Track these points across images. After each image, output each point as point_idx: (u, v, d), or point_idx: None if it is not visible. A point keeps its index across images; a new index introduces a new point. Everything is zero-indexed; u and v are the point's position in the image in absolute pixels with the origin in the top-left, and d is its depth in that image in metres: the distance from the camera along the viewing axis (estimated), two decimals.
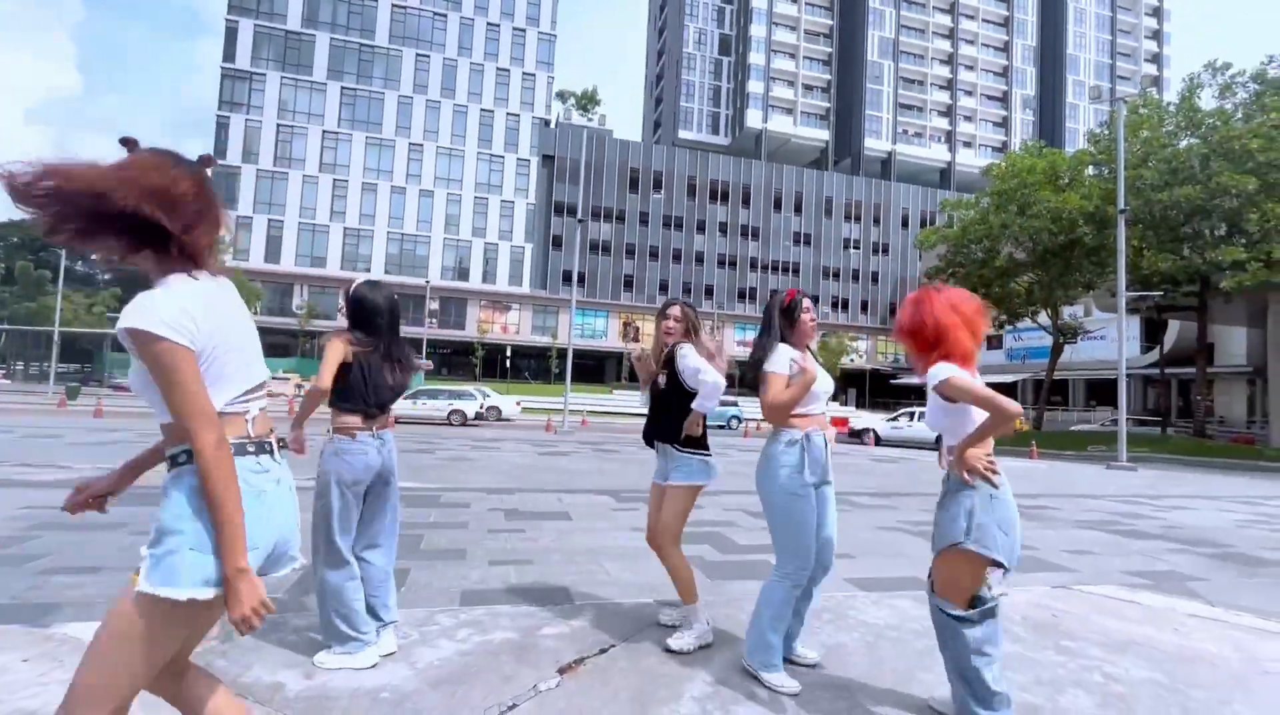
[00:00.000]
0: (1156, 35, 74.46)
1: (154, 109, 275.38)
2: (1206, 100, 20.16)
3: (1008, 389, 41.13)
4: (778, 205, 57.87)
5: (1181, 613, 3.64)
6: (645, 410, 3.03)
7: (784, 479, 2.43)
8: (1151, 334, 34.79)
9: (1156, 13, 74.53)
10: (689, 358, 2.77)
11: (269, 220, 46.61)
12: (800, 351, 2.58)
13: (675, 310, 2.89)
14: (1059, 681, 2.57)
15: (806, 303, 2.65)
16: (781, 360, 2.49)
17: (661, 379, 2.85)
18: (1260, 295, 20.91)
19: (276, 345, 46.38)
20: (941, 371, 2.04)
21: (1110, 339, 36.07)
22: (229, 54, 46.51)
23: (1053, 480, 11.48)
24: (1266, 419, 29.38)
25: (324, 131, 47.96)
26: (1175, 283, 20.21)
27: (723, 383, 2.77)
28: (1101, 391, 40.77)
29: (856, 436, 21.63)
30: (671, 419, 2.79)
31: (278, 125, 47.10)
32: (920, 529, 5.83)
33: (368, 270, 48.23)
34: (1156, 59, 73.86)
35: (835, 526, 2.58)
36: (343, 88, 48.42)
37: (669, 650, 2.62)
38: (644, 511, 6.04)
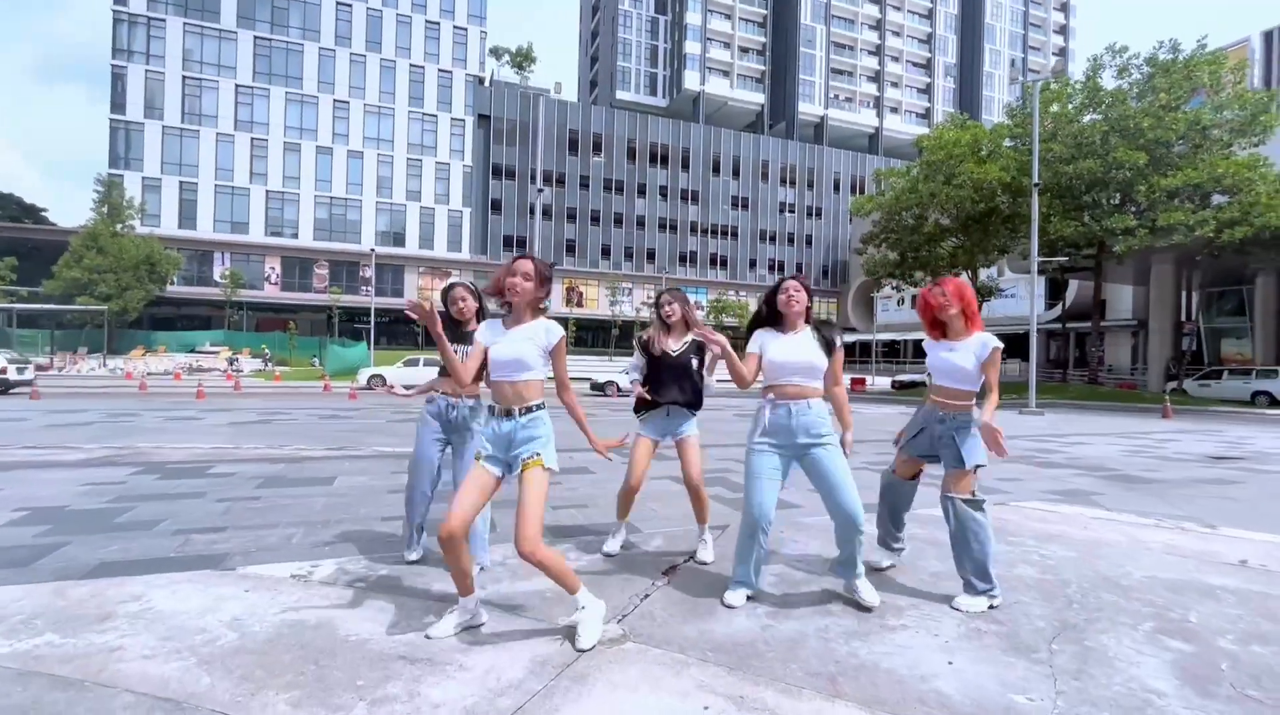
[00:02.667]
0: (1064, 8, 78.86)
1: (16, 52, 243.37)
2: (1107, 80, 22.25)
3: None
4: (716, 169, 58.66)
5: (1087, 516, 4.81)
6: (636, 378, 3.69)
7: (747, 437, 2.99)
8: (1055, 292, 38.34)
9: None
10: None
11: (180, 182, 43.33)
12: (787, 331, 2.95)
13: (667, 298, 3.59)
14: (1010, 560, 3.58)
15: (786, 285, 3.02)
16: (752, 341, 3.03)
17: (695, 361, 3.57)
18: (1144, 257, 23.67)
19: (198, 316, 43.84)
20: (995, 341, 3.03)
21: (1020, 297, 39.53)
22: None
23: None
24: (1147, 366, 33.39)
25: (237, 85, 44.60)
26: (1076, 247, 22.55)
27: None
28: (1012, 345, 44.60)
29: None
30: (694, 388, 3.55)
31: (184, 77, 43.38)
32: (878, 467, 6.93)
33: (295, 236, 45.97)
34: (1063, 30, 78.42)
35: (842, 488, 2.74)
36: (256, 37, 44.94)
37: (703, 563, 3.47)
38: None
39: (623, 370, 3.28)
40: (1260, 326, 26.02)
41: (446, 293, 3.60)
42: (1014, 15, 75.04)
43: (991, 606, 2.89)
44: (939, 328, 3.15)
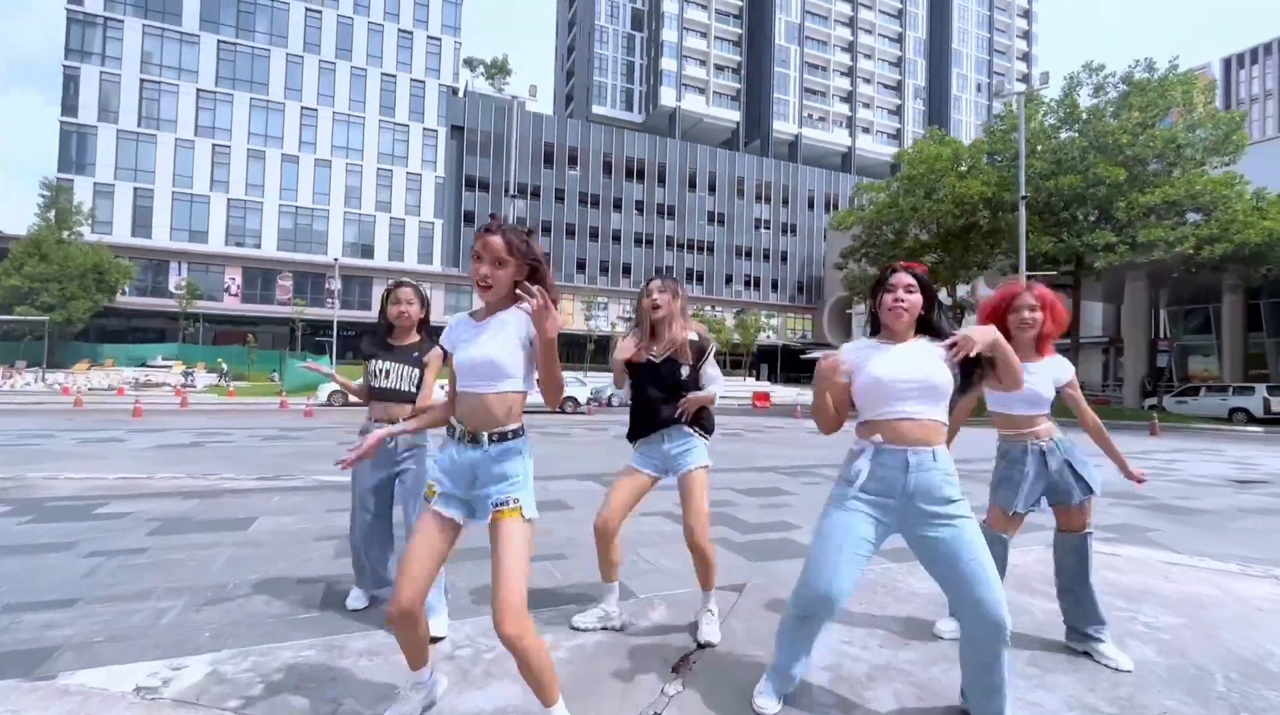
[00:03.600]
0: (1027, 35, 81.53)
1: None
2: (1083, 98, 22.37)
3: None
4: (692, 184, 58.54)
5: (1158, 561, 4.07)
6: (625, 394, 2.87)
7: (834, 483, 2.08)
8: None
9: (1027, 15, 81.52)
10: (713, 365, 2.75)
11: (135, 188, 41.34)
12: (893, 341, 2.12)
13: (659, 285, 2.72)
14: (1114, 636, 2.78)
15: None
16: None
17: (684, 370, 2.67)
18: (1117, 274, 23.76)
19: (151, 328, 41.64)
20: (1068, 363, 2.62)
21: None
22: None
23: (970, 445, 12.50)
24: (1118, 382, 33.67)
25: (198, 89, 42.96)
26: (1056, 262, 22.48)
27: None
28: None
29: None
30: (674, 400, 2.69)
31: (141, 80, 41.61)
32: None
33: (257, 246, 44.19)
34: (1026, 57, 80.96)
35: (980, 581, 1.78)
36: (220, 41, 43.45)
37: (707, 644, 2.57)
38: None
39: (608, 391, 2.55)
40: (1228, 344, 26.33)
41: (389, 293, 2.87)
42: (979, 41, 77.22)
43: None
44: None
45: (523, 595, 1.66)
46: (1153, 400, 24.63)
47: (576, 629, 2.69)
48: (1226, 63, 36.91)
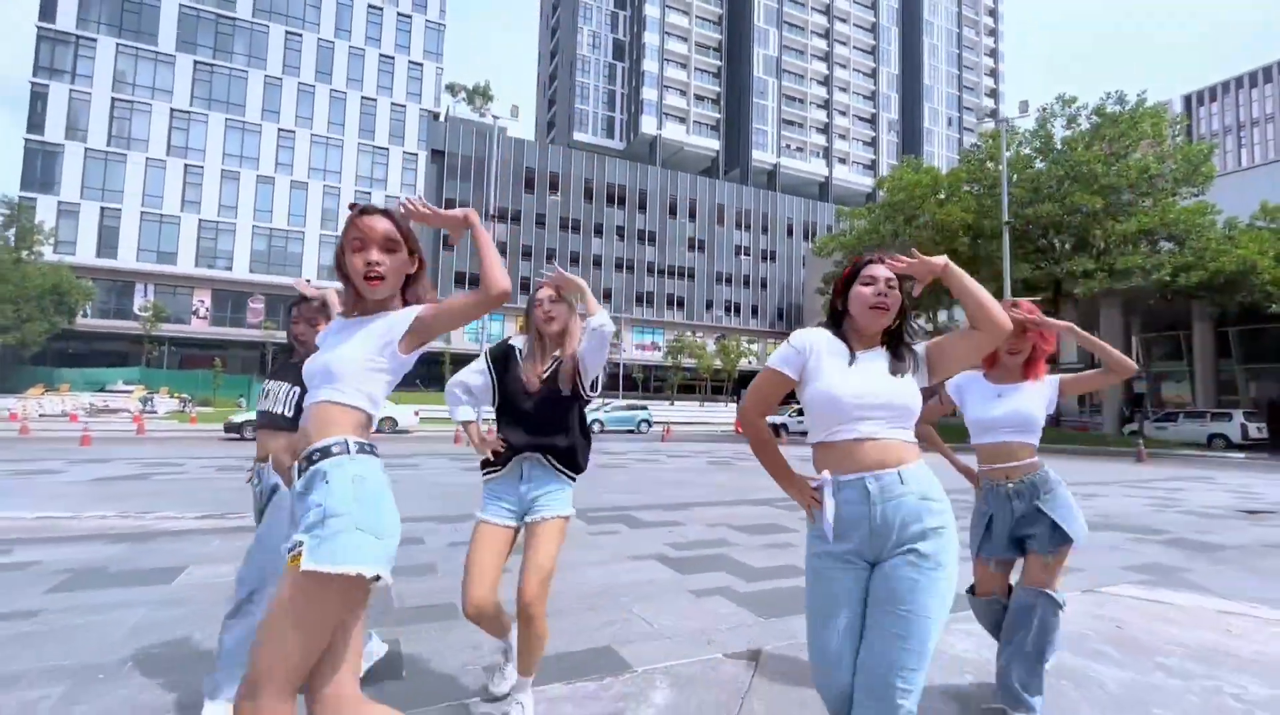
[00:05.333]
0: (994, 73, 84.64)
1: None
2: (1056, 129, 22.84)
3: None
4: (673, 211, 58.89)
5: (1213, 610, 3.65)
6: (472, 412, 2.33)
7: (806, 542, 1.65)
8: None
9: (993, 54, 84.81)
10: (590, 341, 2.20)
11: (102, 208, 40.15)
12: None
13: (549, 292, 2.24)
14: (1202, 709, 2.33)
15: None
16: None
17: (565, 387, 2.18)
18: (1093, 301, 24.03)
19: (114, 352, 40.01)
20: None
21: None
22: (47, 12, 39.64)
23: (958, 475, 12.19)
24: (1094, 408, 33.98)
25: (172, 109, 42.18)
26: (1035, 289, 22.66)
27: (605, 323, 2.20)
28: None
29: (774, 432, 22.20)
30: (568, 430, 2.18)
31: (113, 99, 40.74)
32: None
33: (228, 268, 43.08)
34: (994, 93, 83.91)
35: (902, 640, 1.38)
36: (196, 62, 42.89)
37: None
38: (624, 534, 5.45)
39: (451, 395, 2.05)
40: (1199, 370, 26.70)
41: (291, 309, 2.42)
42: (949, 78, 79.87)
43: None
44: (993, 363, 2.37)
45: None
46: (1133, 426, 24.74)
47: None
48: (1187, 99, 38.42)
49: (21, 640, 2.75)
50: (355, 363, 1.36)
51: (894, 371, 1.54)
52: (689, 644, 2.89)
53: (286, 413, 2.22)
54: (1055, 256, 21.38)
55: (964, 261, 23.16)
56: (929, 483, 1.50)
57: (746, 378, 56.88)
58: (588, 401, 2.26)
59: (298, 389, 2.22)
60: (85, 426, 15.63)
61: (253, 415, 16.17)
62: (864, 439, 1.49)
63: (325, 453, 1.32)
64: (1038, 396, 2.29)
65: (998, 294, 21.06)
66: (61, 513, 5.70)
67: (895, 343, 1.62)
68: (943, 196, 23.78)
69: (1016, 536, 2.27)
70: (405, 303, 1.49)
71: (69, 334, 35.03)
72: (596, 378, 2.24)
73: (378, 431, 19.56)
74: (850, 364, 1.56)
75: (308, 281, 2.56)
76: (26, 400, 28.06)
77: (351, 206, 1.45)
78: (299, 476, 1.35)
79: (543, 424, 2.14)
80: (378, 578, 1.25)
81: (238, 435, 16.49)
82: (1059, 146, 22.37)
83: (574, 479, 2.22)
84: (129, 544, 4.61)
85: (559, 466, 2.16)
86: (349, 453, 1.32)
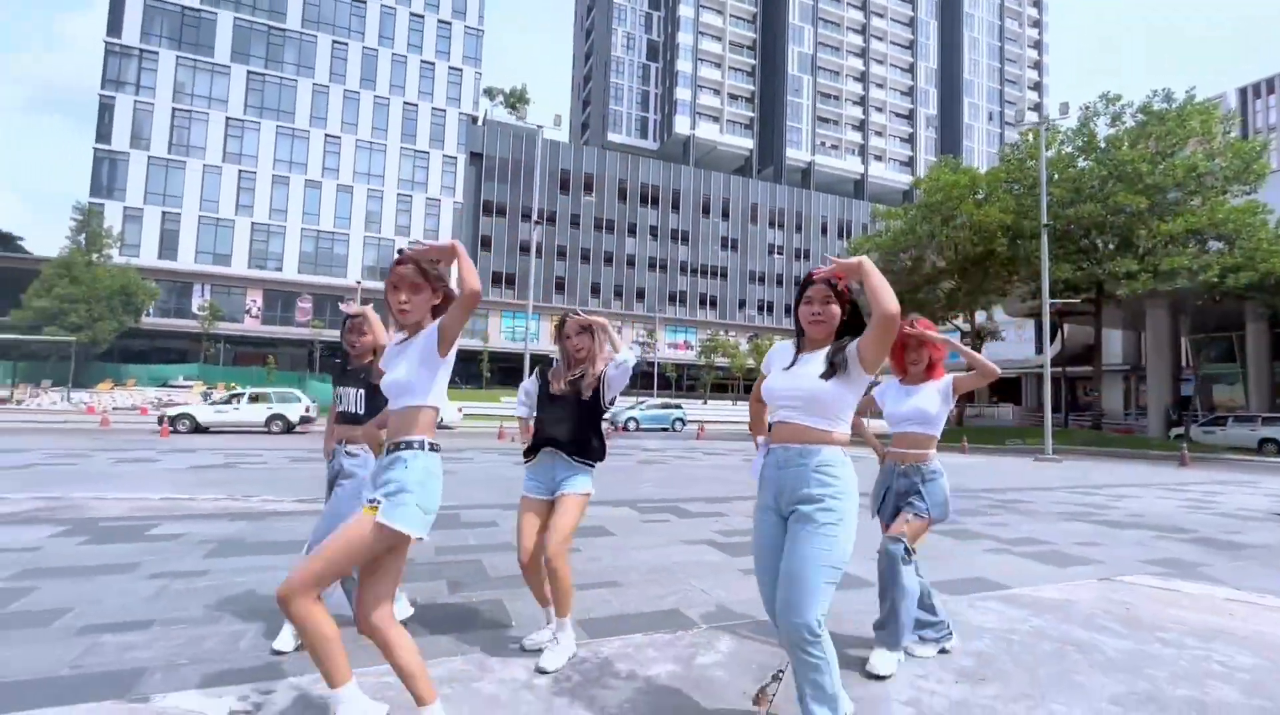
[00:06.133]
0: (1038, 66, 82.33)
1: (5, 85, 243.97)
2: (1100, 127, 22.48)
3: None
4: (706, 210, 59.12)
5: (1221, 598, 3.99)
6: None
7: None
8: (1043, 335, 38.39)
9: (1037, 46, 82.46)
10: (614, 371, 2.83)
11: (163, 212, 42.43)
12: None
13: (574, 326, 2.85)
14: (1194, 676, 2.73)
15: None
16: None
17: (589, 394, 2.80)
18: (1139, 302, 23.57)
19: (174, 349, 42.26)
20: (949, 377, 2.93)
21: (1010, 340, 39.49)
22: (114, 28, 41.99)
23: (1001, 474, 12.37)
24: (1142, 411, 33.16)
25: (227, 118, 44.27)
26: (1076, 289, 22.37)
27: (629, 359, 2.88)
28: (1002, 388, 44.50)
29: None
30: (581, 430, 2.78)
31: (173, 109, 42.97)
32: (938, 528, 6.09)
33: (278, 269, 45.01)
34: (1038, 87, 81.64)
35: (792, 580, 1.84)
36: (249, 72, 44.88)
37: (543, 671, 2.51)
38: (673, 522, 5.98)
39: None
40: (1253, 373, 25.92)
41: (345, 322, 3.00)
42: (990, 71, 78.05)
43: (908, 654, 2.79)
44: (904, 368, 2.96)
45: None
46: (1179, 430, 24.20)
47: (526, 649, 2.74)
48: (1242, 92, 37.08)
49: (204, 592, 3.42)
50: (415, 374, 1.93)
51: (824, 372, 1.93)
52: (743, 611, 3.40)
53: (359, 411, 2.91)
54: (1097, 257, 21.09)
55: (1002, 262, 23.06)
56: (827, 460, 1.91)
57: None
58: (606, 409, 2.89)
59: (364, 391, 2.91)
60: (163, 419, 16.85)
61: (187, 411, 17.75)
62: (784, 421, 2.00)
63: (408, 446, 1.90)
64: (935, 393, 2.85)
65: (1036, 294, 20.95)
66: (180, 495, 6.50)
67: (832, 347, 1.98)
68: (981, 196, 23.62)
69: (899, 506, 2.87)
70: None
71: (134, 332, 37.15)
72: (615, 396, 2.89)
73: (306, 422, 20.45)
74: (790, 367, 2.03)
75: (350, 302, 3.27)
76: (98, 394, 30.02)
77: (400, 251, 2.04)
78: (386, 453, 1.93)
79: (561, 424, 2.77)
80: (421, 539, 1.86)
81: (172, 429, 17.16)
82: (1102, 145, 22.03)
83: (591, 465, 2.81)
84: (247, 521, 5.33)
85: (571, 456, 2.75)
86: (424, 450, 1.91)
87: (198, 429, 17.36)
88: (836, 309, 2.01)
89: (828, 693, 1.82)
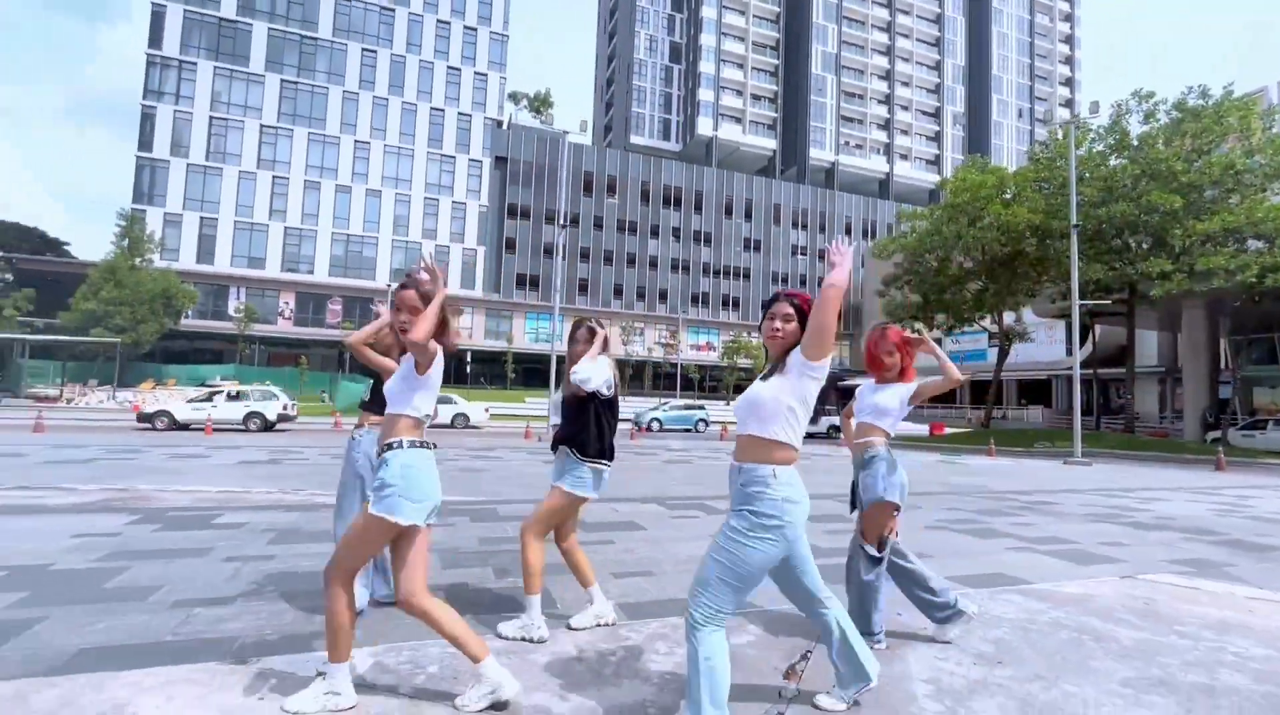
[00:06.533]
0: (1069, 61, 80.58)
1: (50, 95, 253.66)
2: (1133, 125, 22.07)
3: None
4: (729, 211, 59.12)
5: (1242, 596, 4.07)
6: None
7: None
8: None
9: (1069, 40, 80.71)
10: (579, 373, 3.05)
11: (201, 218, 43.91)
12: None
13: (583, 335, 3.16)
14: (1206, 663, 2.86)
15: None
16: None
17: (583, 393, 3.07)
18: (1174, 302, 23.05)
19: (210, 350, 43.66)
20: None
21: (1040, 342, 38.81)
22: (155, 40, 43.57)
23: (1028, 477, 12.32)
24: (1176, 414, 32.35)
25: (262, 125, 45.64)
26: (1108, 290, 21.98)
27: (582, 375, 3.00)
28: (1031, 390, 43.73)
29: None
30: (577, 428, 3.02)
31: (210, 118, 44.45)
32: (962, 527, 6.21)
33: (310, 272, 46.22)
34: (1070, 82, 79.92)
35: (698, 573, 1.99)
36: (283, 80, 46.20)
37: (502, 636, 2.84)
38: (701, 519, 6.21)
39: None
40: None
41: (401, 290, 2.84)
42: (1020, 67, 76.65)
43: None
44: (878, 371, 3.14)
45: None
46: (1216, 433, 23.61)
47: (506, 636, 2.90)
48: None
49: (275, 576, 3.73)
50: (398, 387, 2.26)
51: (764, 374, 2.06)
52: (772, 600, 3.59)
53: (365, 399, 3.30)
54: (1130, 257, 20.71)
55: (1031, 262, 22.76)
56: (756, 477, 1.95)
57: None
58: (606, 399, 3.09)
59: (374, 382, 3.23)
60: (208, 417, 17.54)
61: (165, 407, 17.89)
62: (738, 435, 2.08)
63: (388, 446, 2.22)
64: (895, 393, 3.03)
65: (1066, 295, 20.63)
66: (234, 488, 6.91)
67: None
68: (1009, 196, 23.35)
69: (858, 496, 3.05)
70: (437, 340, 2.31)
71: (174, 334, 38.50)
72: (595, 391, 3.04)
73: (450, 426, 21.02)
74: (762, 379, 2.06)
75: (381, 304, 3.63)
76: (142, 393, 31.20)
77: (408, 275, 2.42)
78: (378, 456, 2.28)
79: (566, 423, 3.07)
80: (419, 526, 2.17)
81: (149, 426, 17.25)
82: (1135, 143, 21.64)
83: (588, 462, 2.98)
84: (300, 513, 5.68)
85: (568, 450, 3.01)
86: (403, 448, 2.20)
87: (175, 426, 17.32)
88: (796, 327, 2.05)
89: (693, 696, 1.85)
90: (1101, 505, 8.27)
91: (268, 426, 18.38)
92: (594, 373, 3.03)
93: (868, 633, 2.82)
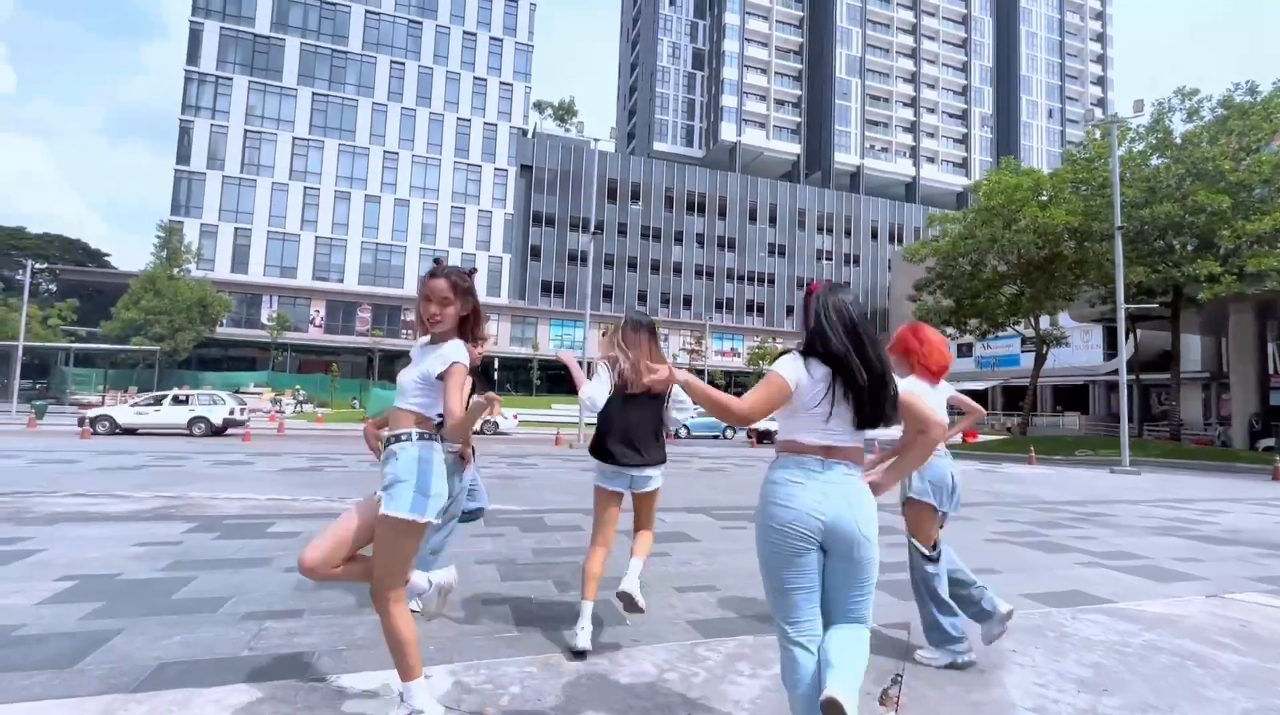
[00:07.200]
0: (1101, 59, 78.83)
1: (91, 111, 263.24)
2: (1175, 123, 21.44)
3: (978, 395, 42.57)
4: (753, 217, 58.85)
5: None
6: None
7: None
8: (1111, 342, 36.54)
9: (1100, 39, 78.97)
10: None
11: (236, 228, 45.03)
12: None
13: (643, 337, 3.08)
14: None
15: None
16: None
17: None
18: (1220, 305, 22.25)
19: (244, 357, 44.69)
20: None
21: (1076, 346, 37.78)
22: (193, 56, 44.95)
23: (1078, 486, 11.93)
24: (1222, 421, 31.20)
25: (294, 138, 46.70)
26: (1151, 293, 21.31)
27: (583, 395, 3.07)
28: (1067, 396, 42.56)
29: None
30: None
31: (245, 131, 45.63)
32: (1023, 540, 5.99)
33: (340, 280, 47.06)
34: (1101, 81, 78.13)
35: None
36: (314, 93, 47.26)
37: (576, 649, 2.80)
38: (750, 530, 6.06)
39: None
40: None
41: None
42: (1050, 67, 75.19)
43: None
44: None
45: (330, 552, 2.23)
46: (1269, 441, 22.70)
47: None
48: None
49: (336, 589, 3.71)
50: (413, 384, 2.11)
51: None
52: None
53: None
54: (1174, 259, 20.05)
55: (1069, 265, 22.19)
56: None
57: None
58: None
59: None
60: (247, 425, 17.87)
61: (106, 412, 17.57)
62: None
63: (396, 439, 2.09)
64: (941, 394, 2.96)
65: (1106, 298, 20.02)
66: (282, 495, 6.97)
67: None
68: (1045, 198, 22.82)
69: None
70: (461, 333, 2.20)
71: (209, 341, 39.48)
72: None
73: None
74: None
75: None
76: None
77: (436, 261, 2.26)
78: (384, 448, 2.14)
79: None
80: (429, 522, 2.03)
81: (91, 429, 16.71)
82: (1178, 142, 21.00)
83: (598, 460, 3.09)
84: None
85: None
86: (412, 440, 2.07)
87: (117, 430, 16.93)
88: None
89: None
90: (1161, 517, 7.94)
91: (214, 431, 17.68)
92: (597, 392, 3.02)
93: (950, 640, 2.78)
